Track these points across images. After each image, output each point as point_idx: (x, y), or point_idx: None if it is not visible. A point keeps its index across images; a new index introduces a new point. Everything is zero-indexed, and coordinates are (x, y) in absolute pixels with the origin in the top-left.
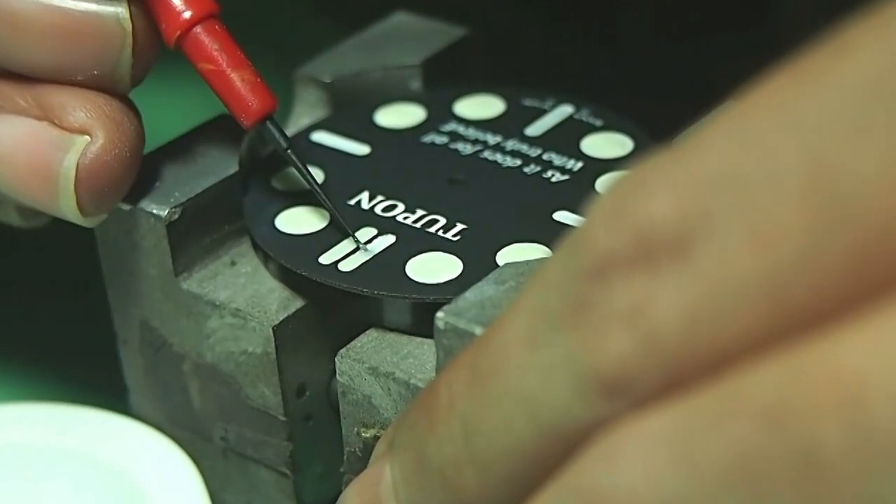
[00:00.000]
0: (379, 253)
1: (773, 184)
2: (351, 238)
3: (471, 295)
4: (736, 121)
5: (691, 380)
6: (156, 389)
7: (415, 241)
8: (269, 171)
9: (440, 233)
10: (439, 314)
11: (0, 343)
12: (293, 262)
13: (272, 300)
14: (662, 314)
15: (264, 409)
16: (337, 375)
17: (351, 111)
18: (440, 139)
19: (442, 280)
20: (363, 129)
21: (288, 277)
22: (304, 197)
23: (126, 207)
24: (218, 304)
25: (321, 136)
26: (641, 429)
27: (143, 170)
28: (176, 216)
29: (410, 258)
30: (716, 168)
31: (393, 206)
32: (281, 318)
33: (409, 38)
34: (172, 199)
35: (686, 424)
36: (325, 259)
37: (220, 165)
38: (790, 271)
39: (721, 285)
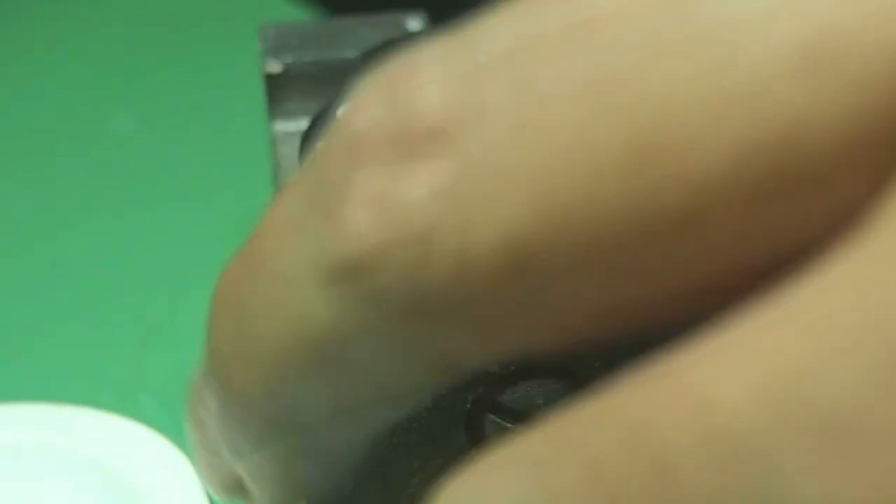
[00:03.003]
0: None
1: (552, 76)
2: None
3: None
4: (517, 7)
5: (438, 269)
6: None
7: None
8: None
9: None
10: None
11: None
12: None
13: None
14: (411, 194)
15: None
16: None
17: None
18: None
19: None
20: None
21: None
22: None
23: None
24: None
25: None
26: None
27: None
28: None
29: None
30: (491, 55)
31: None
32: None
33: None
34: None
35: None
36: None
37: None
38: (561, 162)
39: (485, 170)
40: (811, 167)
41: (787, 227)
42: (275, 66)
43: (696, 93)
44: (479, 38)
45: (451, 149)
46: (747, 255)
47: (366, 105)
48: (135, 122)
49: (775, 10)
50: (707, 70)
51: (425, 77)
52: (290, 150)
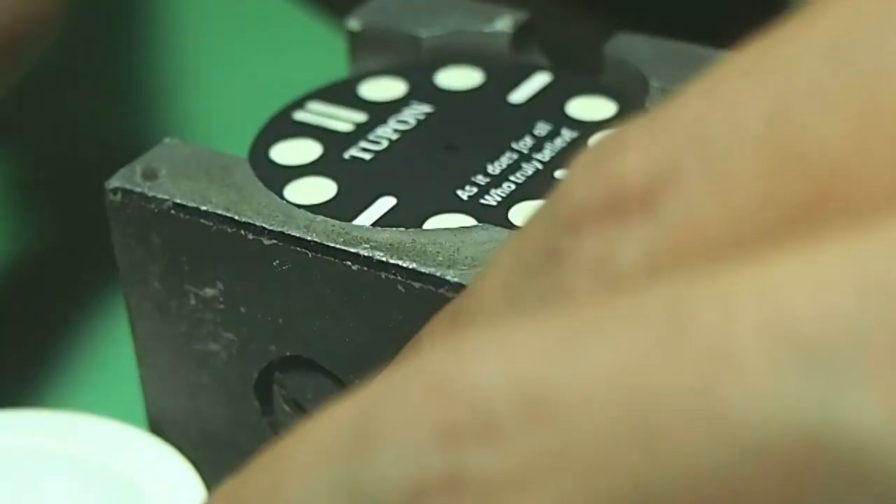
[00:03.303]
0: None
1: (734, 135)
2: None
3: None
4: (710, 80)
5: None
6: None
7: None
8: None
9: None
10: None
11: (13, 347)
12: None
13: None
14: (627, 261)
15: None
16: None
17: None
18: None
19: None
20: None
21: None
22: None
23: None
24: None
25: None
26: None
27: None
28: None
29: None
30: (685, 123)
31: None
32: None
33: None
34: None
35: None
36: None
37: None
38: (747, 215)
39: (683, 231)
40: None
41: None
42: (355, 24)
43: None
44: (673, 106)
45: (654, 211)
46: None
47: (579, 174)
48: None
49: None
50: None
51: (630, 145)
52: None
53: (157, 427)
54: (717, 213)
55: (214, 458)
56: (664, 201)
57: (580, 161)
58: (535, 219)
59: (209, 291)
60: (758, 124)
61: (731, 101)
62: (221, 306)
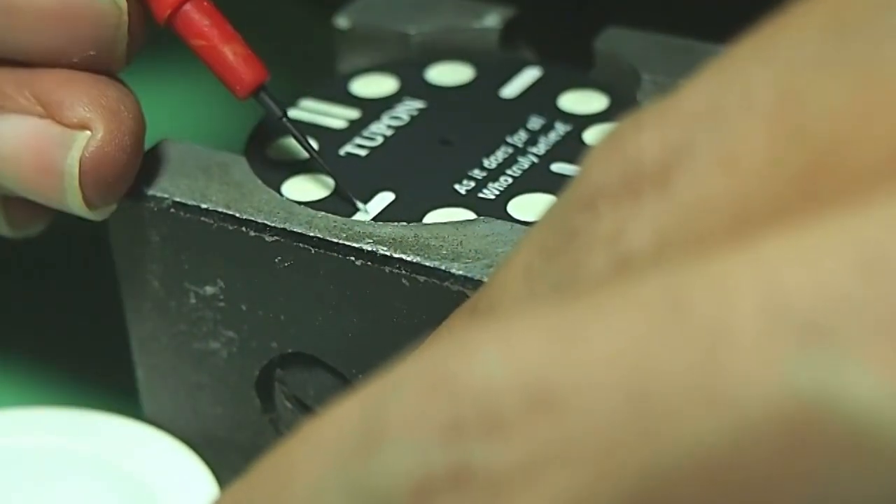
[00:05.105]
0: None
1: (745, 111)
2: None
3: None
4: (722, 61)
5: None
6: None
7: None
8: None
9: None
10: None
11: (14, 347)
12: None
13: None
14: (638, 238)
15: None
16: None
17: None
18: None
19: None
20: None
21: None
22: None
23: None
24: None
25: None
26: None
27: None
28: None
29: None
30: (698, 102)
31: None
32: None
33: None
34: None
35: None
36: None
37: None
38: (754, 186)
39: (692, 207)
40: None
41: None
42: (343, 22)
43: None
44: (687, 88)
45: (666, 187)
46: None
47: (597, 157)
48: None
49: None
50: None
51: (645, 126)
52: None
53: (156, 427)
54: (726, 185)
55: (214, 458)
56: (676, 177)
57: (598, 144)
58: (556, 203)
59: (209, 289)
60: (766, 99)
61: (742, 78)
62: (222, 304)
